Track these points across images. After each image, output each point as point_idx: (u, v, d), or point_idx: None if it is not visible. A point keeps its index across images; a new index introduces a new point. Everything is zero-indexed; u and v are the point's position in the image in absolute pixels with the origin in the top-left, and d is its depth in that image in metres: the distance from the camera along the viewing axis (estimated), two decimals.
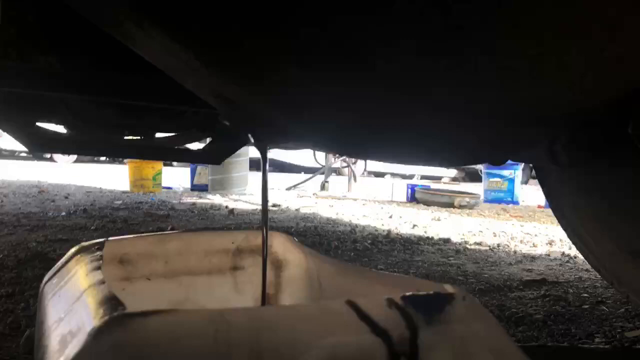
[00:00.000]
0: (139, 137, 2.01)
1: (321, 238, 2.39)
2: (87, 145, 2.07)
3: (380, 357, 0.34)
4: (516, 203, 5.34)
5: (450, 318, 0.38)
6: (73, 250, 0.57)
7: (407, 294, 0.38)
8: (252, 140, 0.51)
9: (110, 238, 0.60)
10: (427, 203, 4.50)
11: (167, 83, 1.39)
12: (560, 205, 1.44)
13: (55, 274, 0.54)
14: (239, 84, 0.42)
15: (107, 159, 12.87)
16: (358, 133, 0.48)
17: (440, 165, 0.76)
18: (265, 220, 0.59)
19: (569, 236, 1.48)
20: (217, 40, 0.39)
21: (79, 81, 1.42)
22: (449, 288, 0.42)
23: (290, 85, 0.40)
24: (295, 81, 0.39)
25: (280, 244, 0.72)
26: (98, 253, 0.52)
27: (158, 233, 0.65)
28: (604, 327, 1.24)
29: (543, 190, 1.48)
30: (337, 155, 6.36)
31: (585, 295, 1.55)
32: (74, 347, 0.29)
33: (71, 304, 0.40)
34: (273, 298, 0.73)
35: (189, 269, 0.68)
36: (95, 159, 12.71)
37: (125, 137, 2.02)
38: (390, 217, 3.49)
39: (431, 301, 0.38)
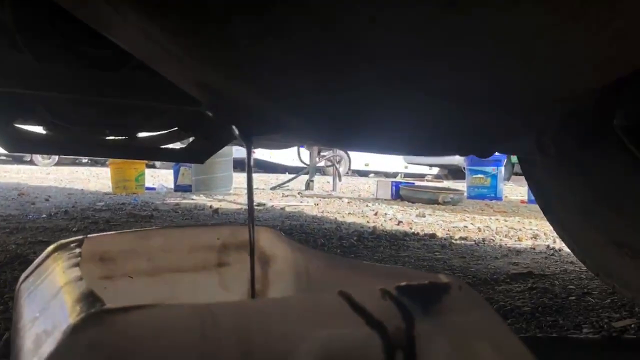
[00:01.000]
0: (121, 137, 1.97)
1: (307, 236, 2.37)
2: (67, 145, 2.03)
3: (375, 350, 0.33)
4: (499, 199, 5.37)
5: (447, 308, 0.36)
6: (50, 248, 0.54)
7: (402, 284, 0.37)
8: (237, 132, 0.49)
9: (90, 235, 0.58)
10: (412, 200, 4.51)
11: (149, 81, 1.36)
12: (545, 197, 1.44)
13: (31, 272, 0.51)
14: (221, 70, 0.41)
15: (89, 160, 12.70)
16: (345, 120, 0.46)
17: (428, 154, 0.75)
18: (251, 211, 0.57)
19: (554, 228, 1.49)
20: (198, 21, 0.37)
21: (56, 79, 1.39)
22: (444, 278, 0.41)
23: (276, 70, 0.39)
24: (280, 65, 0.38)
25: (267, 239, 0.70)
26: (76, 250, 0.50)
27: (140, 230, 0.63)
28: (591, 317, 1.24)
29: (528, 183, 1.48)
30: (321, 154, 6.35)
31: (572, 287, 1.55)
32: (48, 346, 0.27)
33: (47, 302, 0.38)
34: (261, 294, 0.71)
35: (173, 266, 0.65)
36: (77, 161, 12.54)
37: (107, 137, 1.99)
38: (376, 214, 3.49)
39: (427, 291, 0.37)
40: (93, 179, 6.68)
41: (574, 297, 1.42)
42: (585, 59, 0.48)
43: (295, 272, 0.67)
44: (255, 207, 3.70)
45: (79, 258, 0.46)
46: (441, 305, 0.36)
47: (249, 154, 0.52)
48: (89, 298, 0.32)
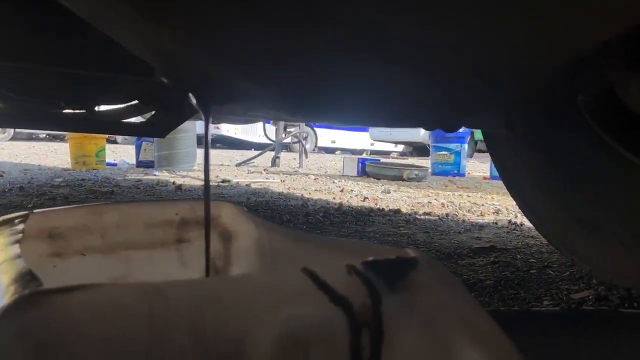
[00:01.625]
0: (78, 110, 1.89)
1: (273, 212, 2.35)
2: (21, 118, 1.94)
3: (340, 328, 0.31)
4: (462, 175, 5.46)
5: (415, 285, 0.35)
6: None
7: (369, 259, 0.35)
8: (195, 101, 0.46)
9: (36, 210, 0.54)
10: (377, 177, 4.52)
11: (105, 51, 1.30)
12: (509, 173, 1.45)
13: None
14: (172, 30, 0.37)
15: (47, 135, 12.28)
16: (308, 90, 0.44)
17: (394, 126, 0.73)
18: (207, 185, 0.54)
19: (517, 203, 1.51)
20: None
21: (5, 47, 1.30)
22: (411, 252, 0.39)
23: (231, 30, 0.36)
24: (235, 24, 0.35)
25: (229, 215, 0.67)
26: (19, 227, 0.46)
27: (92, 204, 0.59)
28: (552, 290, 1.26)
29: (492, 159, 1.49)
30: (288, 131, 6.30)
31: (533, 260, 1.58)
32: None
33: None
34: (222, 271, 0.68)
35: (128, 242, 0.62)
36: (34, 136, 12.11)
37: (65, 111, 1.90)
38: (342, 190, 3.48)
39: (394, 267, 0.35)
40: (51, 154, 6.46)
41: (535, 271, 1.45)
42: (553, 33, 0.47)
43: (259, 248, 0.65)
44: (220, 184, 3.65)
45: (21, 235, 0.43)
46: (409, 280, 0.35)
47: (207, 124, 0.49)
48: (26, 278, 0.29)
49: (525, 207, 1.47)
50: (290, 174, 4.74)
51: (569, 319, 0.99)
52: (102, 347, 0.24)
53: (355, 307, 0.32)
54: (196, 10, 0.34)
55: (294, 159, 6.39)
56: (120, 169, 4.79)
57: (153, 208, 0.64)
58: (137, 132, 2.76)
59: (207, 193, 0.57)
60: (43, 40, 1.23)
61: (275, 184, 3.82)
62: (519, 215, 2.40)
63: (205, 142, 0.47)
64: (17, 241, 0.40)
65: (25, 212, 0.53)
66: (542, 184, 1.39)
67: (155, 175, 4.18)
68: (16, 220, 0.50)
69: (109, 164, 4.97)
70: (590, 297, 1.19)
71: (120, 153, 6.38)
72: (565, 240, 1.38)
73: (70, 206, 0.58)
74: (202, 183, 3.61)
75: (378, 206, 2.72)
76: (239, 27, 0.35)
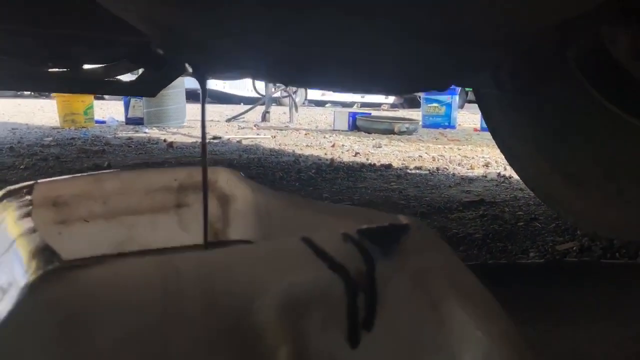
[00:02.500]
0: (64, 69, 1.86)
1: (265, 170, 2.37)
2: (5, 79, 1.91)
3: (338, 292, 0.33)
4: (453, 127, 5.47)
5: (406, 249, 0.37)
6: None
7: (363, 227, 0.37)
8: (190, 70, 0.47)
9: (40, 180, 0.55)
10: (369, 131, 4.53)
11: (93, 8, 1.27)
12: (499, 129, 1.48)
13: None
14: (170, 5, 0.38)
15: (33, 93, 12.05)
16: (298, 59, 0.45)
17: (386, 93, 0.74)
18: (204, 154, 0.56)
19: (506, 158, 1.54)
20: None
21: None
22: (403, 219, 0.42)
23: (229, 6, 0.37)
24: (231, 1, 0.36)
25: (225, 179, 0.69)
26: (27, 197, 0.48)
27: (93, 173, 0.61)
28: (538, 242, 1.31)
29: (483, 116, 1.51)
30: (277, 85, 6.23)
31: (520, 213, 1.63)
32: (5, 305, 0.26)
33: (0, 256, 0.37)
34: (221, 233, 0.71)
35: (130, 208, 0.64)
36: (19, 93, 11.87)
37: (50, 70, 1.87)
38: (333, 146, 3.50)
39: (387, 233, 0.38)
40: (38, 112, 6.38)
41: (522, 223, 1.49)
42: None
43: (257, 211, 0.67)
44: (211, 141, 3.65)
45: (31, 207, 0.45)
46: (400, 246, 0.37)
47: (204, 93, 0.50)
48: (46, 252, 0.31)
49: (514, 161, 1.50)
50: (281, 129, 4.73)
51: (554, 270, 1.03)
52: (122, 317, 0.26)
53: (351, 272, 0.34)
54: None
55: (284, 113, 6.36)
56: (109, 127, 4.75)
57: (152, 175, 0.65)
58: (126, 92, 2.74)
59: (204, 160, 0.58)
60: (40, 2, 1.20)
61: (267, 139, 3.83)
62: (507, 168, 2.44)
63: (202, 113, 0.49)
64: (28, 214, 0.42)
65: (31, 182, 0.55)
66: (531, 139, 1.42)
67: (145, 132, 4.16)
68: (22, 191, 0.51)
69: (97, 122, 4.93)
70: (574, 248, 1.24)
71: (109, 110, 6.31)
72: (552, 193, 1.42)
73: (73, 175, 0.59)
74: (193, 140, 3.60)
75: (369, 161, 2.75)
76: (237, 4, 0.36)
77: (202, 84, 0.49)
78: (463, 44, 0.61)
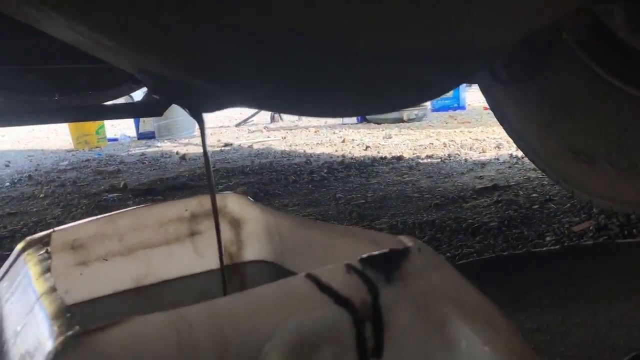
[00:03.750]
0: (71, 98, 1.90)
1: (278, 174, 2.39)
2: (17, 115, 1.95)
3: (345, 325, 0.35)
4: (462, 108, 5.43)
5: (408, 273, 0.39)
6: (19, 247, 0.55)
7: (365, 255, 0.39)
8: (187, 111, 0.49)
9: (57, 228, 0.58)
10: (377, 121, 4.52)
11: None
12: (505, 114, 1.47)
13: (4, 275, 0.52)
14: (159, 58, 0.40)
15: None
16: (290, 97, 0.46)
17: (393, 109, 0.75)
18: (211, 183, 0.58)
19: (515, 142, 1.53)
20: (126, 14, 0.36)
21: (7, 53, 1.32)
22: (405, 240, 0.43)
23: (215, 55, 0.38)
24: (217, 50, 0.37)
25: (234, 203, 0.71)
26: (45, 249, 0.50)
27: (106, 215, 0.63)
28: (553, 224, 1.31)
29: (488, 103, 1.51)
30: None
31: (535, 195, 1.62)
32: None
33: (25, 316, 0.39)
34: (236, 256, 0.73)
35: (145, 242, 0.66)
36: None
37: (58, 98, 1.91)
38: (343, 141, 3.51)
39: (388, 259, 0.39)
40: (52, 135, 6.47)
41: (537, 206, 1.49)
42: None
43: (267, 232, 0.69)
44: (223, 148, 3.68)
45: (50, 260, 0.47)
46: (402, 271, 0.39)
47: (203, 132, 0.51)
48: (66, 315, 0.33)
49: (522, 144, 1.50)
50: (291, 129, 4.75)
51: (570, 256, 1.03)
52: None
53: (356, 304, 0.36)
54: (181, 44, 0.36)
55: None
56: (122, 144, 4.81)
57: (163, 208, 0.67)
58: (135, 114, 2.77)
59: (212, 190, 0.60)
60: (31, 40, 1.23)
61: (277, 141, 3.85)
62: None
63: (204, 151, 0.50)
64: (48, 269, 0.44)
65: (49, 231, 0.57)
66: (537, 121, 1.42)
67: (157, 146, 4.21)
68: (41, 242, 0.54)
69: (110, 140, 4.99)
70: (590, 227, 1.24)
71: (120, 126, 6.38)
72: (564, 172, 1.42)
73: (88, 219, 0.62)
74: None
75: (380, 154, 2.75)
76: (222, 53, 0.38)
77: (199, 122, 0.50)
78: (471, 57, 0.62)
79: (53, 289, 0.38)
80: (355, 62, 0.42)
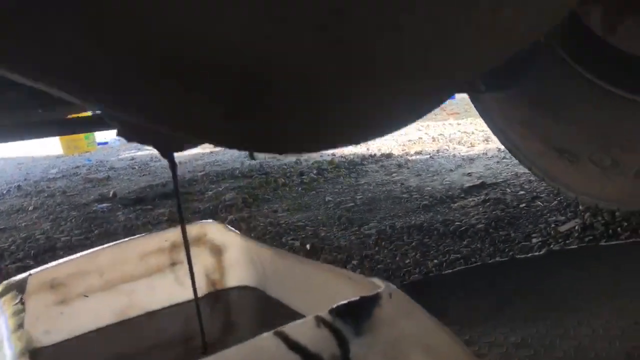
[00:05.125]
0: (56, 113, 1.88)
1: (267, 176, 2.38)
2: (9, 132, 1.94)
3: None
4: (452, 97, 5.43)
5: (379, 322, 0.39)
6: None
7: (334, 306, 0.39)
8: (157, 152, 0.49)
9: (33, 271, 0.57)
10: None
11: None
12: (492, 117, 1.48)
13: None
14: (119, 109, 0.39)
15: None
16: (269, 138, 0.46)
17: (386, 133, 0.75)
18: (181, 219, 0.58)
19: (502, 142, 1.54)
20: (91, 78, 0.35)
21: None
22: (377, 282, 0.43)
23: (178, 105, 0.38)
24: (180, 101, 0.37)
25: (214, 231, 0.71)
26: (19, 301, 0.50)
27: (85, 252, 0.63)
28: (540, 224, 1.32)
29: (475, 106, 1.51)
30: None
31: (522, 192, 1.63)
32: None
33: None
34: (219, 282, 0.73)
35: (126, 276, 0.66)
36: None
37: (43, 111, 1.89)
38: None
39: (358, 308, 0.39)
40: (42, 141, 6.43)
41: (524, 204, 1.50)
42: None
43: (249, 258, 0.69)
44: (213, 150, 3.67)
45: (23, 314, 0.47)
46: (373, 319, 0.39)
47: (174, 172, 0.51)
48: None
49: (509, 144, 1.50)
50: None
51: (555, 260, 1.04)
52: None
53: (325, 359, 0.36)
54: (141, 96, 0.36)
55: None
56: (112, 147, 4.79)
57: (144, 240, 0.67)
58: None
59: (183, 226, 0.60)
60: None
61: None
62: None
63: (175, 188, 0.50)
64: (21, 325, 0.44)
65: (25, 275, 0.57)
66: (522, 121, 1.42)
67: (147, 149, 4.19)
68: (17, 289, 0.53)
69: (100, 144, 4.97)
70: (576, 227, 1.24)
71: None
72: (549, 171, 1.42)
73: (65, 258, 0.62)
74: (197, 151, 3.62)
75: (370, 151, 2.75)
76: (185, 103, 0.37)
77: (171, 161, 0.50)
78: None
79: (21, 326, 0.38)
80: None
